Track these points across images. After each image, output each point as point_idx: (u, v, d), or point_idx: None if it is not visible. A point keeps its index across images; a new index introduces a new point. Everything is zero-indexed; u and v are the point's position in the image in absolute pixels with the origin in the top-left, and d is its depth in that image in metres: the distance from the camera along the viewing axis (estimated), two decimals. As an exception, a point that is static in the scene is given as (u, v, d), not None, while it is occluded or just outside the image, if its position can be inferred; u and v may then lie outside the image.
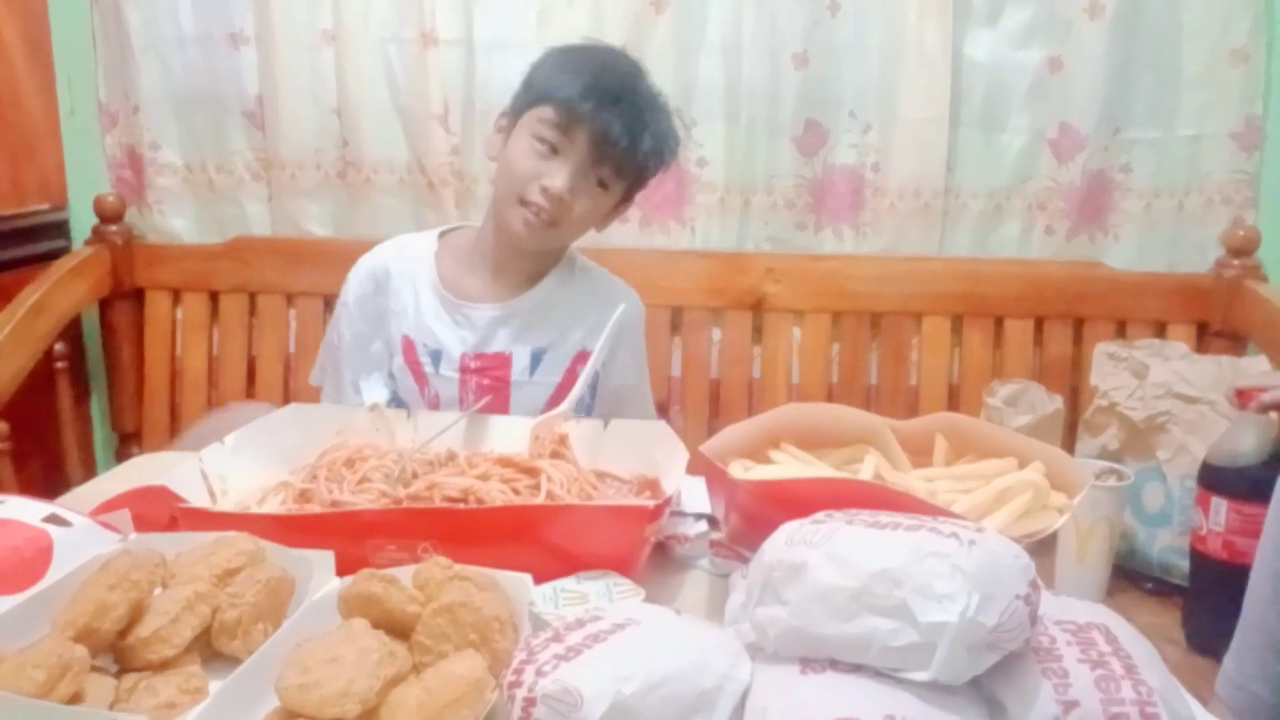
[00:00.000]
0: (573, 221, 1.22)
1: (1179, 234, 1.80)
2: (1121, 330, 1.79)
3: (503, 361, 1.27)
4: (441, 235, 1.34)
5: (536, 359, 1.28)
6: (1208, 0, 1.71)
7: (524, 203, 1.19)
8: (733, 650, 0.65)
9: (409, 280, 1.30)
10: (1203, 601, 1.26)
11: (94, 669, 0.64)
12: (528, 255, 1.28)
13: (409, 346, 1.28)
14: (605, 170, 1.19)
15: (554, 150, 1.18)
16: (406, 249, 1.33)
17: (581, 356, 1.28)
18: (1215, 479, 1.21)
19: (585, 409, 1.28)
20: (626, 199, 1.27)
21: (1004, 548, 0.61)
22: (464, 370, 1.27)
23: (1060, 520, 0.81)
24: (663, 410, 1.82)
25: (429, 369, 1.27)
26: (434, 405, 1.26)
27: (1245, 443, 1.18)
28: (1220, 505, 1.19)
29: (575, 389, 1.12)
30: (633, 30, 1.76)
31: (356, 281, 1.32)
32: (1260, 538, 0.98)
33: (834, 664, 0.61)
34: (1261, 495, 1.02)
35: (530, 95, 1.21)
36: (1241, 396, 1.26)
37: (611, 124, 1.16)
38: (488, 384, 1.26)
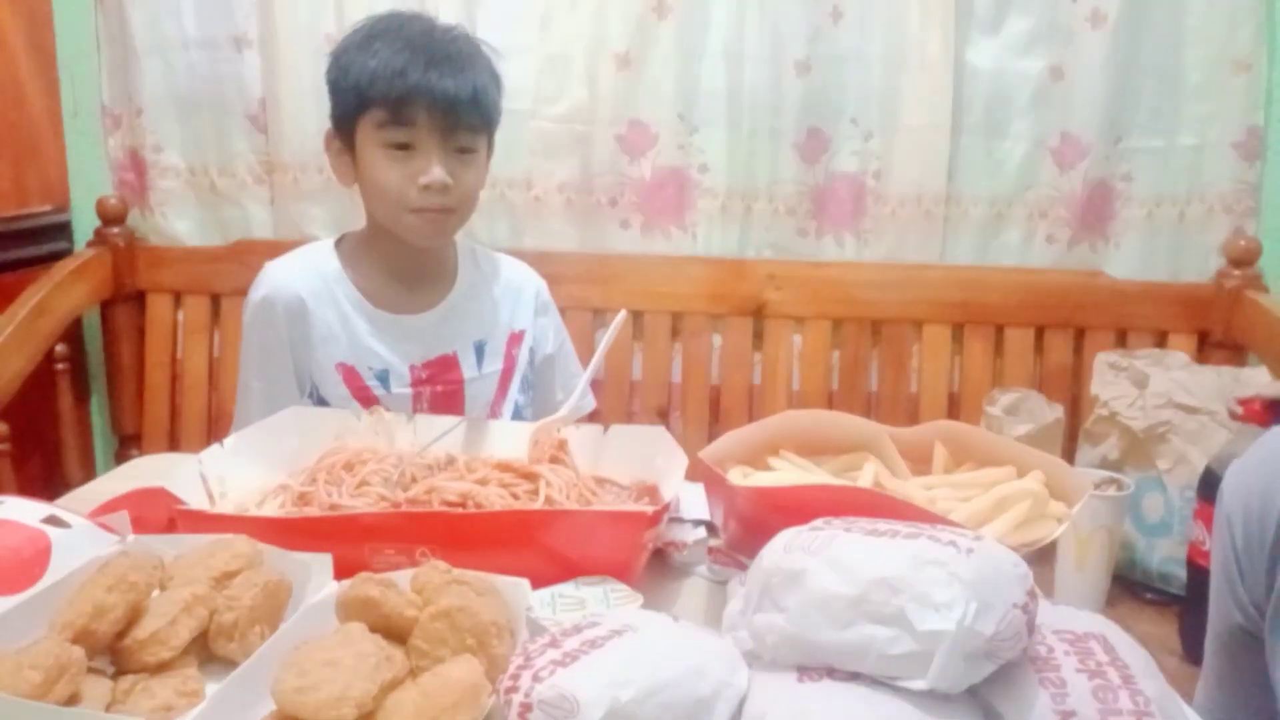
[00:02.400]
0: (466, 196, 1.21)
1: (1180, 243, 1.80)
2: (1122, 339, 1.79)
3: (451, 363, 1.27)
4: (336, 247, 1.27)
5: (480, 351, 1.29)
6: (1209, 9, 1.72)
7: (414, 210, 1.17)
8: (730, 657, 0.65)
9: (328, 303, 1.22)
10: (1200, 613, 1.26)
11: (91, 670, 0.64)
12: (433, 252, 1.27)
13: (350, 373, 1.22)
14: (463, 136, 1.17)
15: (407, 146, 1.15)
16: (309, 271, 1.24)
17: (514, 338, 1.31)
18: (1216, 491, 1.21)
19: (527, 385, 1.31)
20: (491, 145, 1.25)
21: (1002, 556, 0.61)
22: (416, 383, 1.25)
23: (1059, 529, 0.80)
24: (662, 416, 1.82)
25: (379, 390, 1.23)
26: None
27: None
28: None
29: (577, 390, 1.11)
30: (635, 36, 1.77)
31: (265, 318, 1.21)
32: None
33: (831, 672, 0.61)
34: None
35: (349, 106, 1.17)
36: (1244, 407, 1.26)
37: (445, 90, 1.12)
38: (441, 390, 1.26)
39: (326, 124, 1.82)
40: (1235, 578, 0.89)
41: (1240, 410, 1.26)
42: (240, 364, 1.27)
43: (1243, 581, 0.89)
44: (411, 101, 1.13)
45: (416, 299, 1.27)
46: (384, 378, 1.24)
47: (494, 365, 1.30)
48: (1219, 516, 0.92)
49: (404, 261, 1.26)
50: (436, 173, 1.15)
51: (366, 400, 1.21)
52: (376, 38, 1.17)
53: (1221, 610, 0.93)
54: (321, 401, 1.23)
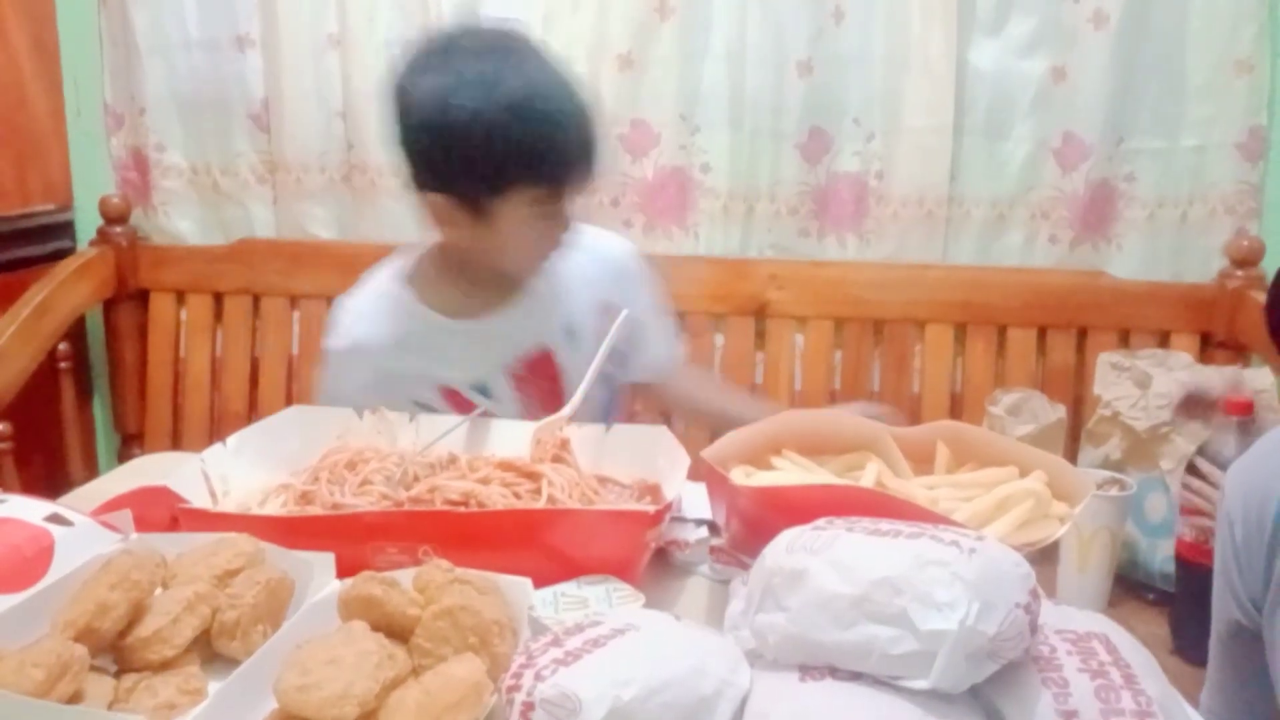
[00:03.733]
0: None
1: (1183, 244, 1.80)
2: (1125, 340, 1.79)
3: (547, 359, 1.23)
4: (407, 280, 1.23)
5: (571, 336, 1.23)
6: (1212, 10, 1.71)
7: (542, 256, 1.18)
8: (732, 656, 0.65)
9: (412, 341, 1.20)
10: (1188, 607, 1.26)
11: (93, 669, 0.64)
12: None
13: (452, 395, 1.20)
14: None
15: (554, 206, 1.13)
16: (384, 314, 1.21)
17: (606, 309, 1.21)
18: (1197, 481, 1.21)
19: (603, 411, 1.23)
20: None
21: (1004, 556, 0.61)
22: (519, 385, 1.22)
23: (1061, 529, 0.80)
24: (665, 415, 1.82)
25: (480, 401, 1.20)
26: None
27: (1228, 449, 1.18)
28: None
29: (581, 387, 1.10)
30: (637, 37, 1.77)
31: (348, 370, 1.20)
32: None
33: (833, 671, 0.61)
34: None
35: (502, 180, 1.08)
36: (1229, 407, 1.26)
37: (584, 159, 1.11)
38: (546, 386, 1.22)
39: (328, 123, 1.86)
40: (1235, 574, 0.90)
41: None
42: (317, 392, 1.26)
43: (1241, 577, 0.89)
44: (577, 172, 1.11)
45: (492, 298, 1.22)
46: (483, 389, 1.21)
47: (588, 346, 1.20)
48: (1220, 514, 0.93)
49: (488, 278, 1.21)
50: (564, 224, 1.15)
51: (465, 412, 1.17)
52: (515, 108, 1.05)
53: (1222, 608, 0.93)
54: None
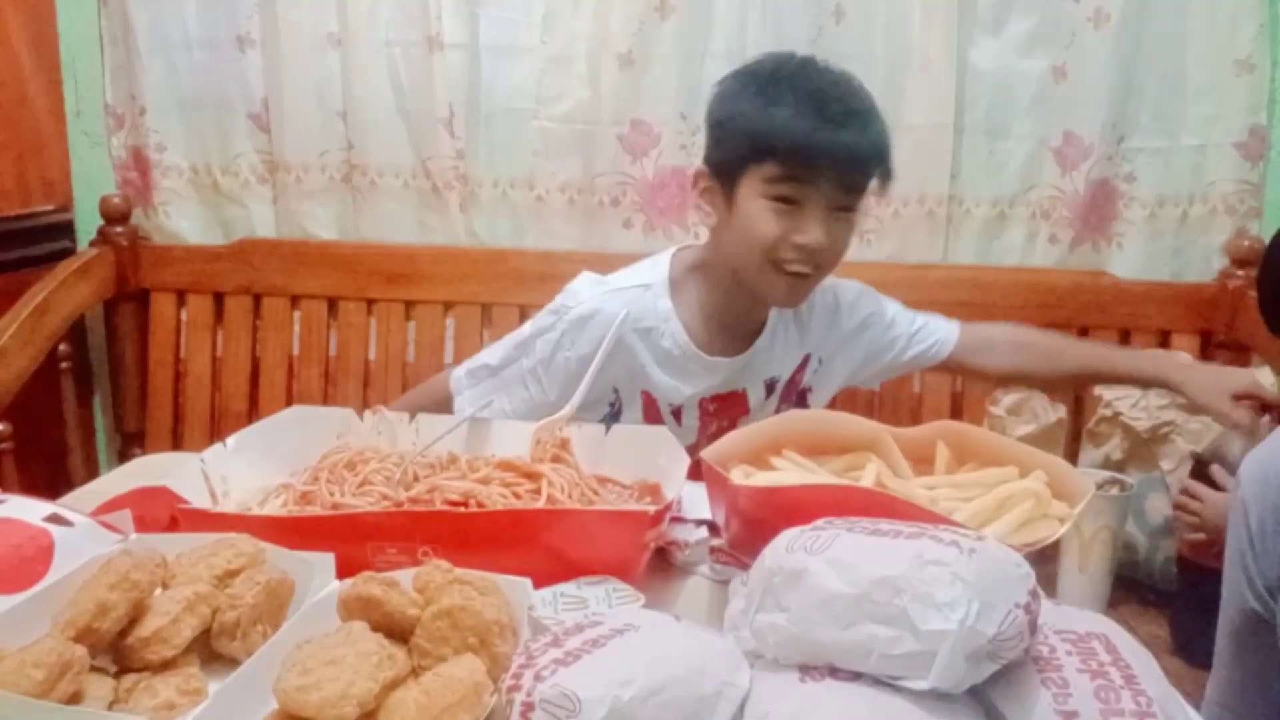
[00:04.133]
0: (835, 259, 1.15)
1: (1183, 243, 1.80)
2: (1125, 339, 1.79)
3: (739, 399, 1.25)
4: (672, 283, 1.22)
5: (770, 387, 1.27)
6: (1213, 9, 1.71)
7: (779, 266, 1.12)
8: (732, 656, 0.65)
9: (654, 341, 1.20)
10: (1188, 605, 1.26)
11: (93, 669, 0.64)
12: (761, 303, 1.22)
13: (650, 402, 1.22)
14: (851, 195, 1.12)
15: (794, 202, 1.09)
16: (642, 306, 1.19)
17: (803, 363, 1.27)
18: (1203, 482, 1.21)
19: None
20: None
21: (1004, 556, 0.61)
22: (704, 415, 1.24)
23: (1062, 530, 0.80)
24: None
25: (668, 421, 1.22)
26: None
27: (1234, 448, 1.18)
28: None
29: (577, 394, 1.10)
30: (638, 36, 1.77)
31: (580, 336, 1.17)
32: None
33: (833, 671, 0.61)
34: None
35: (743, 152, 1.11)
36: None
37: (847, 155, 1.07)
38: (727, 424, 1.23)
39: (328, 123, 1.86)
40: (1249, 560, 0.90)
41: None
42: (509, 345, 1.23)
43: (1256, 563, 0.89)
44: (814, 161, 1.07)
45: (730, 344, 1.23)
46: (678, 413, 1.23)
47: (778, 396, 1.27)
48: (1235, 502, 0.93)
49: (736, 311, 1.22)
50: (817, 234, 1.10)
51: (654, 423, 1.21)
52: (778, 84, 1.10)
53: (1234, 596, 0.93)
54: (618, 411, 1.22)
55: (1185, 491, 1.25)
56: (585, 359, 1.13)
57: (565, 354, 1.17)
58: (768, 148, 1.08)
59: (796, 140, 1.07)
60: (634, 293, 1.20)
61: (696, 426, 1.24)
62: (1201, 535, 1.21)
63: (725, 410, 1.25)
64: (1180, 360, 1.37)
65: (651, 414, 1.23)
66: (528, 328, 1.23)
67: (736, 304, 1.21)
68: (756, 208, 1.10)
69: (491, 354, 1.25)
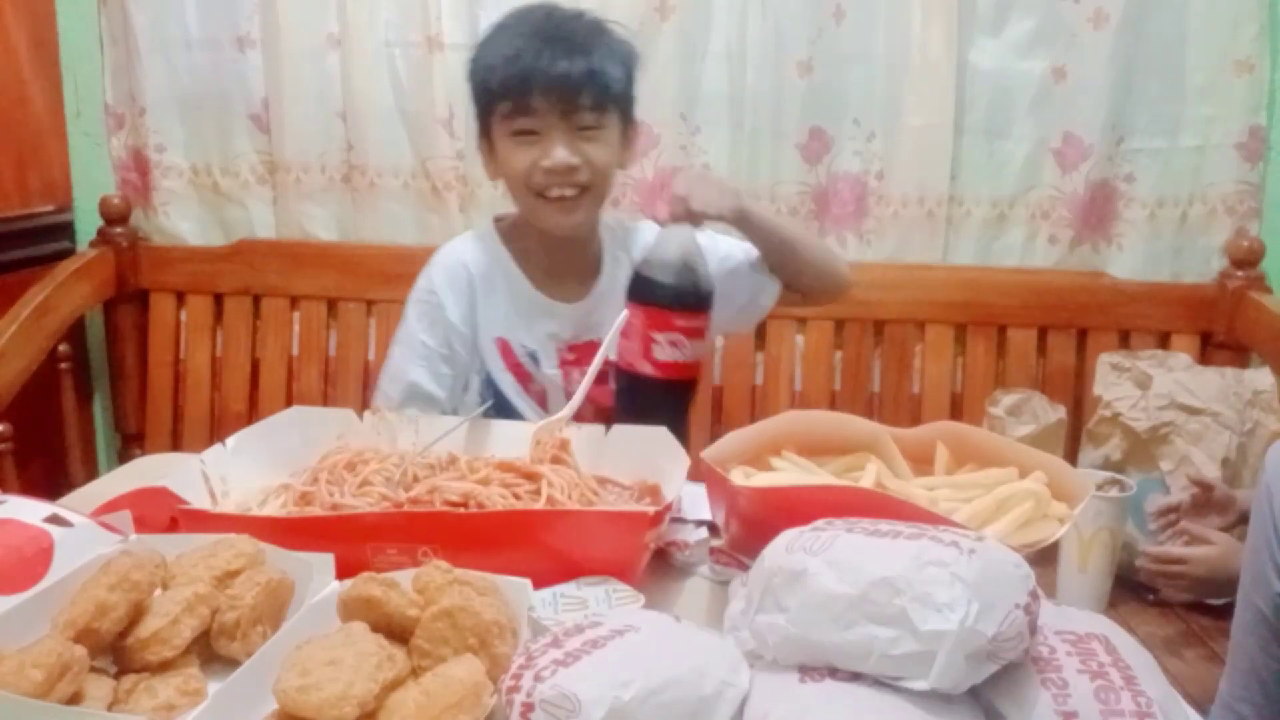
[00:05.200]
0: (596, 174, 1.19)
1: (1183, 244, 1.80)
2: (1125, 340, 1.79)
3: (595, 349, 1.23)
4: (496, 228, 1.30)
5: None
6: (1212, 10, 1.71)
7: (542, 194, 1.18)
8: (732, 657, 0.65)
9: (494, 280, 1.27)
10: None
11: (93, 669, 0.64)
12: (575, 243, 1.27)
13: (505, 348, 1.26)
14: (585, 115, 1.17)
15: (532, 132, 1.16)
16: (477, 250, 1.29)
17: None
18: (641, 292, 1.12)
19: None
20: (629, 123, 1.24)
21: (1004, 557, 0.61)
22: (564, 363, 1.27)
23: (1061, 530, 0.80)
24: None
25: (529, 367, 1.26)
26: (541, 400, 1.27)
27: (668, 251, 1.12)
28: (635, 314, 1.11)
29: (579, 391, 1.11)
30: (638, 36, 1.76)
31: (443, 282, 1.27)
32: (1241, 568, 0.99)
33: (833, 672, 0.61)
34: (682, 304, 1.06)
35: (482, 104, 1.20)
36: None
37: (559, 72, 1.13)
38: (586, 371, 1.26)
39: (328, 124, 1.86)
40: (1274, 545, 0.89)
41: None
42: (398, 340, 1.29)
43: None
44: (529, 87, 1.14)
45: (567, 289, 1.28)
46: (535, 356, 1.27)
47: None
48: (1260, 487, 0.93)
49: (550, 251, 1.27)
50: (559, 154, 1.16)
51: (521, 377, 1.26)
52: (501, 32, 1.20)
53: (1259, 585, 0.93)
54: (490, 381, 1.26)
55: (1161, 559, 1.29)
56: (446, 297, 1.25)
57: (430, 299, 1.26)
58: (494, 88, 1.16)
59: (510, 73, 1.14)
60: (469, 243, 1.30)
61: (559, 376, 1.26)
62: (1190, 595, 1.24)
63: (584, 360, 1.25)
64: None
65: (509, 359, 1.26)
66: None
67: (550, 245, 1.26)
68: (506, 147, 1.19)
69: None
